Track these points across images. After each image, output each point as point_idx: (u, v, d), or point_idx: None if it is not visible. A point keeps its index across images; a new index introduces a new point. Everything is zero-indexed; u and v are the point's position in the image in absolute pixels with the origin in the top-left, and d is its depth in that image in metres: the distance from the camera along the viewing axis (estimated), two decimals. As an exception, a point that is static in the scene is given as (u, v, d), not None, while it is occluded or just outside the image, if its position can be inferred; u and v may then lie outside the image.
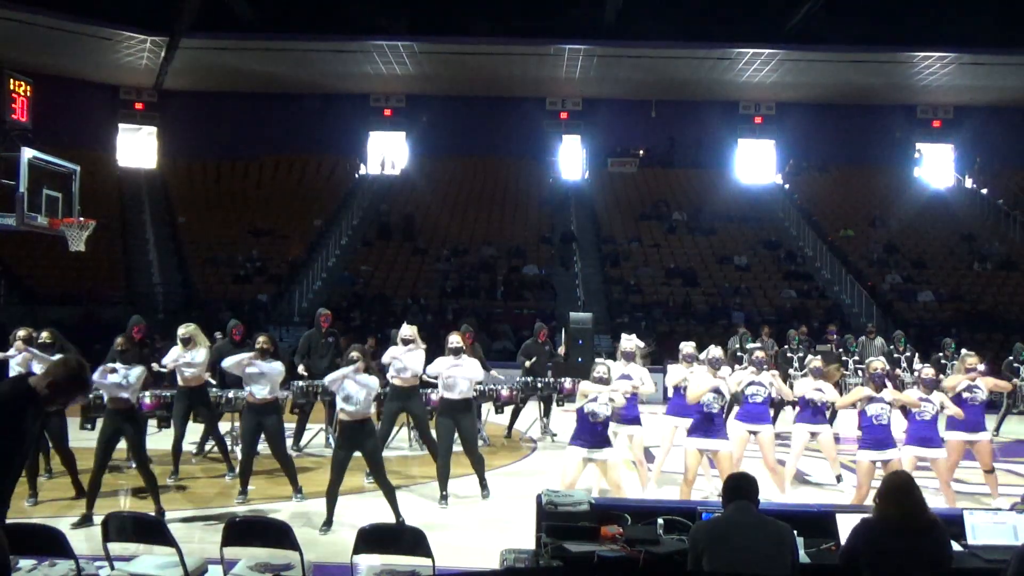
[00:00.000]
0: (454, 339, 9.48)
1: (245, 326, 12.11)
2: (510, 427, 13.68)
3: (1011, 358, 15.60)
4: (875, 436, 8.55)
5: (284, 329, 23.26)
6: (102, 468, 8.40)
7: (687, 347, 10.23)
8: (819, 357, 10.68)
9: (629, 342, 9.81)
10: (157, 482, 8.68)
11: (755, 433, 9.42)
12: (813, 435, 9.91)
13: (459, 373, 9.27)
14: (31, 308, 22.22)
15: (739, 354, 16.72)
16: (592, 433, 8.12)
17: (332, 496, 8.24)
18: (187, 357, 10.08)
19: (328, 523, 8.18)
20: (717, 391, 8.69)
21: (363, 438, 8.25)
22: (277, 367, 9.06)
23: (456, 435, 9.36)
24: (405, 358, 10.01)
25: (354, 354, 8.43)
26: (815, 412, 9.79)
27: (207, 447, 11.64)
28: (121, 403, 8.39)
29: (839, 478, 10.30)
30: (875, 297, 24.89)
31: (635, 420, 9.45)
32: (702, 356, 9.31)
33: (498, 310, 24.07)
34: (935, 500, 9.07)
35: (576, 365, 16.59)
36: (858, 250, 27.79)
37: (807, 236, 28.89)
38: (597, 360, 8.73)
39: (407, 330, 10.57)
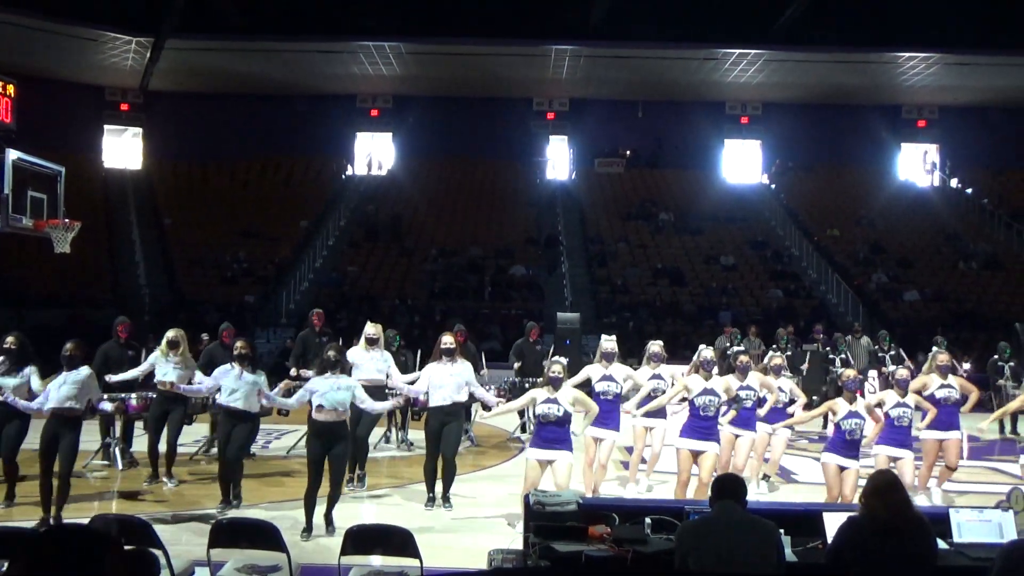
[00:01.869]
0: (447, 340, 9.27)
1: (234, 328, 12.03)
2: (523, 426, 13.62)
3: (995, 357, 15.68)
4: (844, 445, 8.43)
5: (271, 331, 23.24)
6: (49, 472, 8.32)
7: (654, 346, 10.11)
8: (778, 354, 10.70)
9: (609, 343, 9.72)
10: (68, 494, 8.49)
11: (740, 437, 9.43)
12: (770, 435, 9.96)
13: (450, 378, 9.11)
14: (17, 311, 22.09)
15: (728, 354, 16.73)
16: (546, 435, 8.04)
17: (311, 500, 8.08)
18: (174, 362, 10.02)
19: (308, 529, 8.02)
20: (712, 392, 8.68)
21: (335, 440, 8.16)
22: (251, 380, 8.88)
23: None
24: (370, 360, 9.96)
25: (331, 352, 8.39)
26: (778, 412, 9.82)
27: (201, 450, 11.63)
28: (64, 410, 8.30)
29: (766, 477, 10.35)
30: (861, 296, 24.99)
31: (614, 425, 9.35)
32: (694, 359, 9.27)
33: (486, 311, 24.07)
34: (917, 499, 9.15)
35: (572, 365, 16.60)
36: (844, 250, 27.90)
37: (793, 236, 28.99)
38: (553, 358, 8.60)
39: (371, 329, 10.45)
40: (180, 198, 30.66)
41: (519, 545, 5.92)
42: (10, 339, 9.03)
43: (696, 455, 8.58)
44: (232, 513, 8.62)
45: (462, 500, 9.38)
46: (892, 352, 16.50)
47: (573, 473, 8.12)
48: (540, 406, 8.06)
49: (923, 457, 9.47)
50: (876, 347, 16.85)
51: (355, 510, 8.58)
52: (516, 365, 13.61)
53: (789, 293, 25.68)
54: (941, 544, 5.38)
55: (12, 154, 10.07)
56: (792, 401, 10.06)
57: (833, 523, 5.39)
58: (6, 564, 5.82)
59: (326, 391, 8.10)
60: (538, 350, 14.12)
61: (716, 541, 4.82)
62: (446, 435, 9.11)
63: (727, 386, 8.91)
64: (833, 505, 7.66)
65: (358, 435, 9.82)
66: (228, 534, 5.84)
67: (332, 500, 8.18)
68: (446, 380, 9.10)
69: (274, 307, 24.77)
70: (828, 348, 17.15)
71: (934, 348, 15.35)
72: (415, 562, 5.55)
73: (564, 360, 8.47)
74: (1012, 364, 15.57)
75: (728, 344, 17.66)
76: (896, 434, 8.84)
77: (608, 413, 9.21)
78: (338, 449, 8.17)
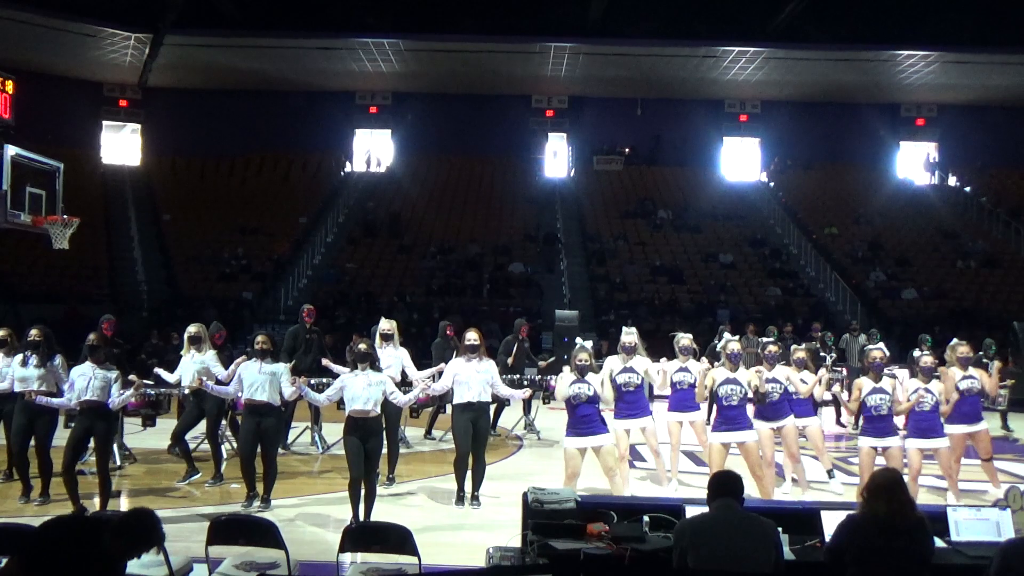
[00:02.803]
0: (472, 336, 9.17)
1: (229, 327, 11.97)
2: (494, 424, 13.69)
3: (980, 353, 15.60)
4: (875, 425, 8.60)
5: (270, 327, 23.12)
6: (71, 467, 8.38)
7: (684, 340, 10.14)
8: (803, 347, 10.70)
9: (629, 335, 9.68)
10: (111, 488, 8.58)
11: (777, 428, 9.42)
12: (801, 429, 9.93)
13: (477, 376, 9.02)
14: (14, 306, 22.08)
15: (716, 349, 16.73)
16: (581, 419, 8.11)
17: (356, 492, 8.07)
18: (199, 358, 9.97)
19: (356, 518, 7.94)
20: (735, 382, 8.71)
21: (367, 433, 8.18)
22: (270, 371, 8.85)
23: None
24: (384, 356, 9.96)
25: (362, 346, 8.38)
26: (803, 405, 9.80)
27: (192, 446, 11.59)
28: (95, 403, 8.31)
29: (831, 473, 10.22)
30: (859, 295, 25.01)
31: (641, 414, 9.38)
32: (719, 349, 9.29)
33: (484, 308, 24.06)
34: (928, 496, 9.15)
35: (561, 363, 16.58)
36: (842, 248, 27.91)
37: (792, 234, 29.00)
38: (579, 344, 8.64)
39: (386, 324, 10.46)
40: (178, 194, 30.63)
41: (517, 543, 5.92)
42: (34, 332, 9.09)
43: (735, 446, 8.63)
44: (230, 509, 8.61)
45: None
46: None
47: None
48: (570, 388, 8.15)
49: (951, 451, 9.37)
50: (867, 343, 16.80)
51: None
52: (508, 362, 13.55)
53: (787, 291, 25.69)
54: (939, 543, 5.39)
55: (11, 150, 10.07)
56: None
57: (831, 521, 5.40)
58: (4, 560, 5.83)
59: (358, 388, 8.13)
60: (526, 347, 14.12)
61: (714, 539, 4.82)
62: (477, 433, 9.04)
63: (752, 377, 8.94)
64: (831, 503, 7.65)
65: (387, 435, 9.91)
66: (226, 531, 5.83)
67: (369, 497, 8.14)
68: (473, 377, 9.01)
69: (272, 303, 24.77)
70: (818, 345, 17.11)
71: (921, 347, 15.37)
72: (413, 559, 5.54)
73: (589, 344, 8.55)
74: (997, 361, 15.51)
75: (715, 341, 17.64)
76: (922, 421, 8.80)
77: (632, 404, 9.27)
78: (372, 444, 8.19)
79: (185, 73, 30.86)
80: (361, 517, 7.94)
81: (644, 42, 28.09)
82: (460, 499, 9.11)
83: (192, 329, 10.13)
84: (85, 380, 8.28)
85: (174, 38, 27.34)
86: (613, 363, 9.54)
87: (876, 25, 26.67)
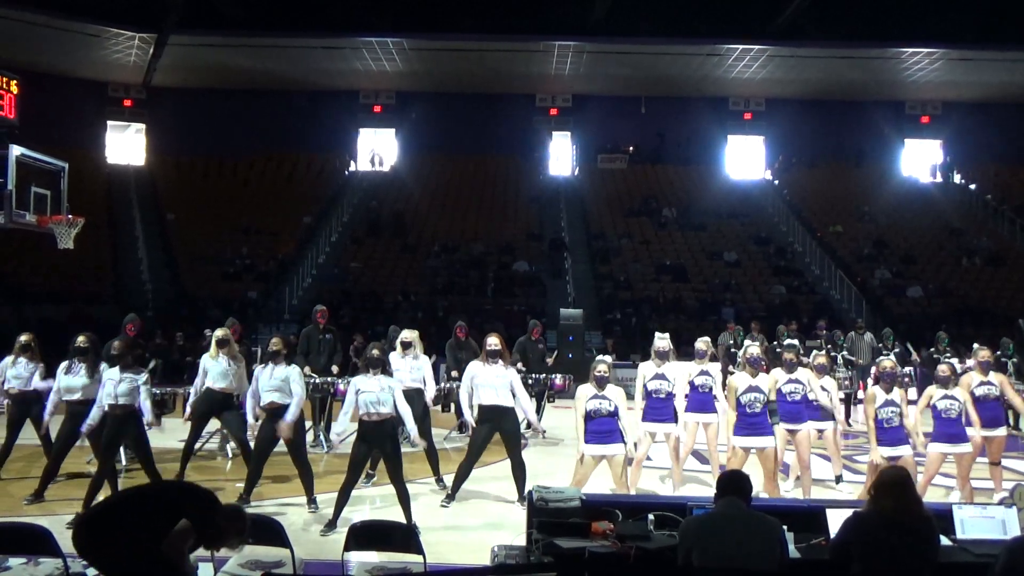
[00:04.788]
0: (492, 341, 9.07)
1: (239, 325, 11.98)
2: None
3: (999, 352, 15.58)
4: (887, 435, 8.50)
5: (274, 327, 23.19)
6: (105, 465, 8.40)
7: (700, 343, 10.17)
8: (822, 353, 10.67)
9: (662, 341, 9.64)
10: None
11: (793, 432, 9.37)
12: (820, 432, 9.90)
13: (498, 379, 8.94)
14: (18, 307, 22.12)
15: (732, 351, 16.75)
16: (601, 430, 8.11)
17: (344, 496, 8.04)
18: (225, 363, 9.86)
19: (332, 524, 7.89)
20: (757, 389, 8.67)
21: (383, 440, 8.10)
22: (293, 373, 8.81)
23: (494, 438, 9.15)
24: (402, 364, 9.94)
25: (375, 351, 8.37)
26: (819, 409, 9.78)
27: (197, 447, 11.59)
28: (120, 407, 8.36)
29: (839, 478, 10.19)
30: (864, 292, 24.96)
31: (668, 419, 9.38)
32: (740, 356, 9.27)
33: (488, 307, 24.05)
34: (934, 494, 9.11)
35: (566, 361, 16.64)
36: (847, 246, 27.87)
37: (796, 232, 28.95)
38: (599, 357, 8.65)
39: (408, 334, 10.43)
40: (183, 194, 30.65)
41: (522, 541, 5.92)
42: (81, 338, 9.05)
43: (755, 451, 8.60)
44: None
45: (465, 496, 9.38)
46: (897, 349, 16.43)
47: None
48: (590, 403, 8.14)
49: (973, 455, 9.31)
50: (880, 344, 16.79)
51: (358, 507, 8.57)
52: (519, 365, 13.57)
53: (792, 289, 25.65)
54: (944, 540, 5.38)
55: (15, 150, 10.06)
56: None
57: (836, 520, 5.40)
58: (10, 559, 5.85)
59: (368, 392, 8.06)
60: (540, 348, 14.17)
61: (720, 537, 4.82)
62: (507, 437, 8.98)
63: (773, 382, 8.92)
64: (837, 502, 7.64)
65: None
66: (231, 530, 5.84)
67: (402, 500, 8.02)
68: (495, 381, 8.94)
69: (276, 303, 24.78)
70: (829, 345, 17.08)
71: (937, 346, 15.39)
72: (418, 558, 5.55)
73: (609, 359, 8.55)
74: (1015, 360, 15.46)
75: (732, 341, 17.67)
76: (946, 427, 8.74)
77: (660, 410, 9.28)
78: (388, 448, 8.11)
79: (189, 73, 30.89)
80: (339, 522, 7.89)
81: (648, 40, 28.04)
82: (449, 499, 9.08)
83: (219, 333, 10.02)
84: (113, 384, 8.31)
85: (178, 38, 27.36)
86: (646, 369, 9.55)
87: (880, 22, 26.60)
